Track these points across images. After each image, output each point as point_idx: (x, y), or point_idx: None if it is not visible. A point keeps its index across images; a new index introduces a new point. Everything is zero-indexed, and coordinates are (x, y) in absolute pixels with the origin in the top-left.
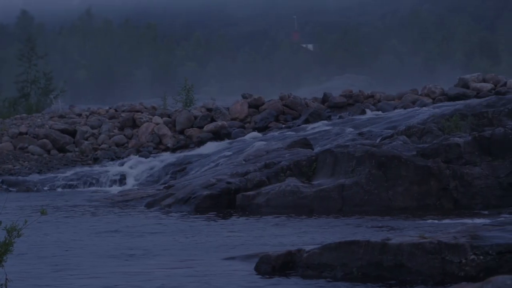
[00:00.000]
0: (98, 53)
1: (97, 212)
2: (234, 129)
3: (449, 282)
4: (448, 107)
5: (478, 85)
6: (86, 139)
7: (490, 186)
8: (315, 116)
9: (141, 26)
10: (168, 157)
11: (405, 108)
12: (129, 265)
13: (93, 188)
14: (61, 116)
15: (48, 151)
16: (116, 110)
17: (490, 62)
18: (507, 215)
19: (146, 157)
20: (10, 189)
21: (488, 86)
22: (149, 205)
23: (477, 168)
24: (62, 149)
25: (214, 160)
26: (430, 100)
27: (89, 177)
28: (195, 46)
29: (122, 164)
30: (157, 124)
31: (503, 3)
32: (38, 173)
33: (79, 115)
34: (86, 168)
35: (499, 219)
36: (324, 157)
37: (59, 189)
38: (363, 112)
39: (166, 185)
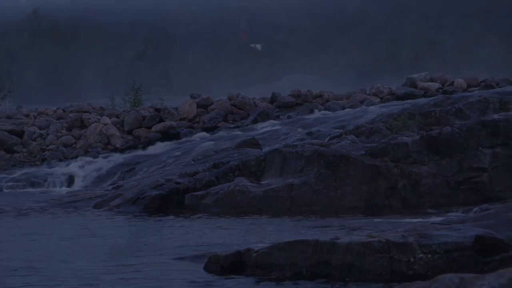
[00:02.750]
0: (45, 54)
1: (44, 213)
2: (182, 129)
3: (398, 281)
4: (396, 106)
5: (426, 84)
6: (34, 140)
7: (438, 185)
8: (264, 116)
9: (88, 26)
10: (116, 158)
11: (353, 108)
12: (77, 268)
13: (41, 189)
14: (8, 117)
15: None
16: (64, 111)
17: (437, 61)
18: (455, 214)
19: (95, 157)
20: None
21: (436, 85)
22: (97, 206)
23: (425, 167)
24: (9, 150)
25: (162, 160)
26: (378, 100)
27: (37, 178)
28: (143, 46)
29: (70, 165)
30: (105, 124)
31: (449, 2)
32: None
33: (27, 115)
34: (34, 169)
35: (447, 217)
36: (272, 157)
37: (7, 190)
38: (312, 112)
39: (114, 185)
